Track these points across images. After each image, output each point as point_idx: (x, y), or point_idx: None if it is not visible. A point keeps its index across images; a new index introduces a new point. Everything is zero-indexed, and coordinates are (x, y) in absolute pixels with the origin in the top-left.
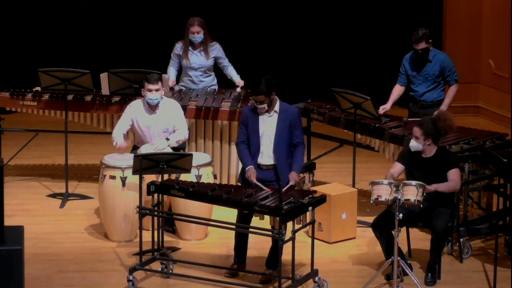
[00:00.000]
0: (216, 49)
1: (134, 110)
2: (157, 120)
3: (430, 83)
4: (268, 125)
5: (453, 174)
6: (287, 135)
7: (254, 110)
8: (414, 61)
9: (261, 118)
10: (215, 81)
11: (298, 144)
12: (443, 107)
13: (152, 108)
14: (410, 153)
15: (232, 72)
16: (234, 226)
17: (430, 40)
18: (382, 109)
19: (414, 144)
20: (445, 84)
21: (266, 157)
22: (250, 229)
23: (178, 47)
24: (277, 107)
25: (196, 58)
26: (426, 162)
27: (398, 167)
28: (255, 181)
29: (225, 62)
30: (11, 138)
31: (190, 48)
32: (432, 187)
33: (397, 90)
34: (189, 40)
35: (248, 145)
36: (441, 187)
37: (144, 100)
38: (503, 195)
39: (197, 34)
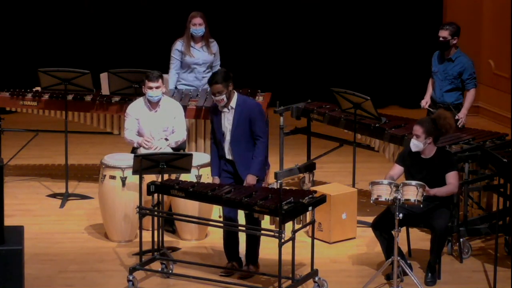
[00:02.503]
0: (216, 46)
1: (136, 110)
2: (157, 118)
3: (448, 83)
4: (227, 122)
5: (451, 178)
6: (243, 129)
7: (217, 107)
8: (439, 59)
9: (223, 115)
10: None
11: (258, 139)
12: (464, 110)
13: (153, 106)
14: (410, 155)
15: None
16: (234, 226)
17: (455, 37)
18: (425, 102)
19: (414, 143)
20: (463, 87)
21: (228, 152)
22: (250, 229)
23: (179, 44)
24: (233, 102)
25: (200, 53)
26: (425, 163)
27: (397, 169)
28: None
29: (217, 63)
30: (11, 138)
31: (191, 44)
32: (432, 192)
33: (432, 83)
34: (190, 34)
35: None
36: (440, 191)
37: (145, 98)
38: (503, 195)
39: (199, 26)
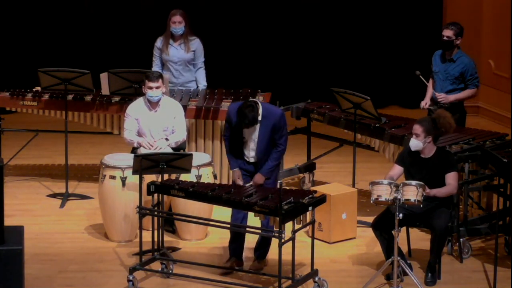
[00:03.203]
0: (196, 43)
1: (136, 110)
2: (157, 118)
3: (449, 83)
4: (250, 131)
5: (451, 178)
6: (268, 139)
7: (237, 111)
8: (440, 58)
9: None
10: None
11: (278, 145)
12: (453, 96)
13: (153, 105)
14: (409, 154)
15: (200, 76)
16: (234, 226)
17: (459, 37)
18: (425, 103)
19: (414, 143)
20: (465, 87)
21: (249, 156)
22: (250, 229)
23: (158, 42)
24: (259, 114)
25: (176, 51)
26: (425, 162)
27: (397, 169)
28: (241, 183)
29: (199, 61)
30: (11, 138)
31: (170, 41)
32: (431, 193)
33: (433, 83)
34: (170, 32)
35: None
36: (439, 192)
37: (145, 98)
38: (503, 195)
39: (178, 24)
